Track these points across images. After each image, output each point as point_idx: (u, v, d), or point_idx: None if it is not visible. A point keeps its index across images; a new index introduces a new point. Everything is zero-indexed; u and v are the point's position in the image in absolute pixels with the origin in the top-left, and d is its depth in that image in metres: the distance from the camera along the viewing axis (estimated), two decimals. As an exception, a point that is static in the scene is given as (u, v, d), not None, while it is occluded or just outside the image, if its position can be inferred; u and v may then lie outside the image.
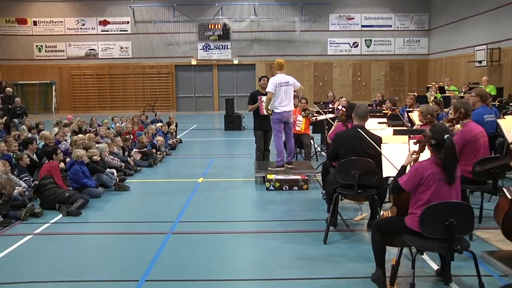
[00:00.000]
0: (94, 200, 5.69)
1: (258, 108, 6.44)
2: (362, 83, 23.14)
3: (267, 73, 21.20)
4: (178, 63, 22.76)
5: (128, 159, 7.55)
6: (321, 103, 10.50)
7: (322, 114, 7.29)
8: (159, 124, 10.64)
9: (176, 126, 11.37)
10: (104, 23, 21.77)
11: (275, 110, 5.75)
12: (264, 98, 6.10)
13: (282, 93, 5.78)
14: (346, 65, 22.95)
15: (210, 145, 11.05)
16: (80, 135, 7.89)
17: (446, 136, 3.02)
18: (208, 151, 9.84)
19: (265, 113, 6.10)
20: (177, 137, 11.11)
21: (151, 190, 6.14)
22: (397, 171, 3.21)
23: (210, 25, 21.84)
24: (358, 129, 3.92)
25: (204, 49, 22.82)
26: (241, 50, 22.63)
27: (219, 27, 21.82)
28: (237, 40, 22.47)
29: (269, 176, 5.78)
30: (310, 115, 7.71)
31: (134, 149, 8.09)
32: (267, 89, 5.74)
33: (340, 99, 9.20)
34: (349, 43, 22.81)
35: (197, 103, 23.49)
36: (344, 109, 4.84)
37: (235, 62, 22.66)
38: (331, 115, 7.09)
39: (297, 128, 7.51)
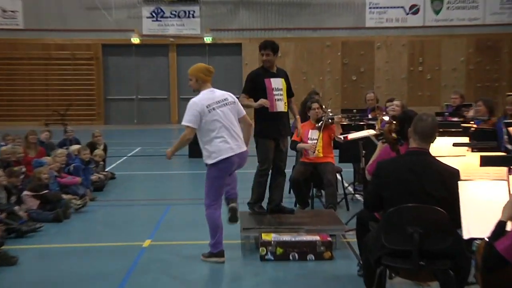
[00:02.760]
0: None
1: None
2: (425, 76, 22.40)
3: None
4: (107, 41, 22.35)
5: (16, 208, 7.26)
6: (354, 110, 9.52)
7: (356, 131, 7.35)
8: (74, 147, 10.15)
9: (105, 150, 10.78)
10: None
11: (209, 161, 5.29)
12: (275, 81, 6.02)
13: (219, 122, 5.28)
14: (398, 45, 22.52)
15: (164, 182, 10.62)
16: None
17: None
18: (160, 193, 9.52)
19: (281, 109, 6.05)
20: (107, 170, 10.58)
21: (57, 266, 5.71)
22: (491, 231, 3.15)
23: (164, -24, 22.46)
24: (419, 156, 3.83)
25: (153, 17, 22.33)
26: (218, 20, 22.45)
27: (179, -21, 22.42)
28: (211, 2, 22.25)
29: (265, 237, 5.60)
30: (330, 121, 7.33)
31: (25, 191, 7.74)
32: (183, 122, 5.30)
33: (388, 104, 8.30)
34: (403, 7, 22.31)
35: (142, 110, 23.09)
36: (393, 122, 4.59)
37: (207, 40, 22.36)
38: (371, 132, 6.76)
39: (312, 154, 7.19)
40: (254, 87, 6.07)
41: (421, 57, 22.10)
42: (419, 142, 3.83)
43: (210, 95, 5.37)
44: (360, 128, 7.65)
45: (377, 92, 11.39)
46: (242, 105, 5.69)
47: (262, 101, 5.88)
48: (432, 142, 3.89)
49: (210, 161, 5.28)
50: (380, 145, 4.99)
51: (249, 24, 21.98)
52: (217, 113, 5.27)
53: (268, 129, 6.16)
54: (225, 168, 5.32)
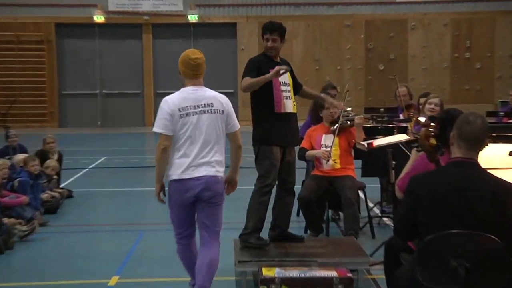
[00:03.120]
0: None
1: (268, 96, 6.25)
2: (473, 64, 22.52)
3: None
4: (62, 20, 22.40)
5: None
6: (381, 110, 9.25)
7: (384, 136, 7.53)
8: (19, 157, 10.43)
9: (60, 160, 11.03)
10: None
11: (170, 177, 5.46)
12: (283, 75, 6.24)
13: (187, 132, 5.35)
14: (438, 24, 22.64)
15: (136, 202, 10.78)
16: None
17: None
18: (130, 216, 9.64)
19: (290, 109, 6.27)
20: (62, 186, 10.89)
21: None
22: None
23: None
24: (465, 168, 3.91)
25: (122, -11, 22.64)
26: None
27: None
28: (197, -31, 22.52)
29: (266, 272, 5.68)
30: (348, 122, 7.58)
31: (-46, 215, 8.36)
32: (154, 129, 5.45)
33: (422, 101, 8.42)
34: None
35: (107, 109, 23.27)
36: (432, 124, 4.74)
37: (193, 18, 22.49)
38: (403, 137, 6.92)
39: (326, 165, 7.38)
40: (257, 72, 6.12)
41: (468, 40, 22.26)
42: (465, 150, 3.88)
43: (190, 94, 5.41)
44: (389, 132, 7.74)
45: (411, 85, 11.41)
46: (247, 84, 5.87)
47: (280, 67, 5.99)
48: (481, 150, 3.94)
49: (172, 176, 5.41)
50: (414, 154, 5.08)
51: (244, -1, 22.77)
52: (190, 121, 5.32)
53: (273, 133, 6.27)
54: (176, 195, 5.34)
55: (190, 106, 5.28)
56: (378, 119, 8.62)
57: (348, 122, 7.49)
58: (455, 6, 22.25)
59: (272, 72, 5.91)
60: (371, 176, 8.36)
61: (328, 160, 7.23)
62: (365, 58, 22.36)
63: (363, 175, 8.05)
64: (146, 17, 21.91)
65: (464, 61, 22.26)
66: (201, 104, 5.31)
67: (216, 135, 5.29)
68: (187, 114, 5.27)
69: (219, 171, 5.26)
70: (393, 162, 7.02)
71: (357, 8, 22.09)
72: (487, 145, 3.99)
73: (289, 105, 6.18)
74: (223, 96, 5.44)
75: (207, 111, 5.32)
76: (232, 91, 20.96)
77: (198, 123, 5.24)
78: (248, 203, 6.36)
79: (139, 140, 19.34)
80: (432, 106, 7.40)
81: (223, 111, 5.33)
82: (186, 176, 5.23)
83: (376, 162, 7.78)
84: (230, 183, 5.48)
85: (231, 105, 5.43)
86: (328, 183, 7.29)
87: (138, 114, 22.71)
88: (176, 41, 22.56)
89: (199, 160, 5.26)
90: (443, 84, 21.71)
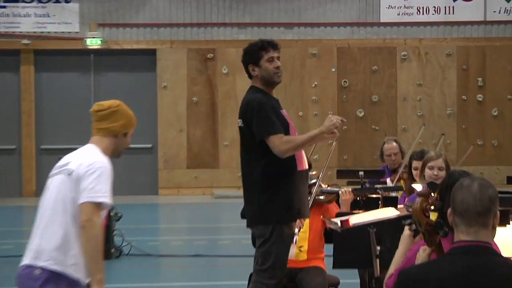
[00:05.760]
0: None
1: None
2: (489, 110, 23.16)
3: (202, 72, 23.79)
4: None
5: None
6: (360, 173, 9.13)
7: (364, 210, 7.61)
8: None
9: None
10: None
11: None
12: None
13: (40, 202, 5.64)
14: (439, 53, 23.31)
15: None
16: None
17: None
18: None
19: (306, 165, 6.94)
20: None
21: None
22: None
23: None
24: (474, 257, 3.93)
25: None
26: (112, 8, 23.27)
27: None
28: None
29: None
30: (322, 197, 8.05)
31: None
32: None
33: (416, 164, 8.81)
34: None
35: None
36: (432, 193, 4.84)
37: (93, 43, 22.82)
38: (392, 212, 6.85)
39: (291, 255, 7.44)
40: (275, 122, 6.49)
41: (480, 76, 22.54)
42: (465, 228, 3.92)
43: (69, 154, 5.59)
44: (371, 204, 7.79)
45: (402, 139, 11.87)
46: (294, 146, 6.32)
47: (338, 117, 6.39)
48: (494, 227, 3.95)
49: None
50: (407, 237, 5.08)
51: (170, 16, 22.60)
52: (46, 186, 5.47)
53: (294, 203, 6.53)
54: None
55: (55, 167, 5.45)
56: (357, 188, 8.51)
57: (322, 197, 7.67)
58: (462, 30, 22.62)
59: (330, 122, 6.22)
60: (347, 267, 8.22)
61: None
62: (338, 100, 22.29)
63: (336, 265, 7.76)
64: (25, 41, 21.77)
65: (476, 105, 22.31)
66: (61, 164, 5.46)
67: (55, 205, 5.29)
68: (48, 178, 5.46)
69: (41, 259, 5.16)
70: (378, 248, 6.96)
71: (327, 31, 22.30)
72: (505, 224, 4.14)
73: (305, 159, 6.67)
74: (96, 154, 5.42)
75: (61, 171, 5.42)
76: (149, 146, 21.32)
77: (48, 189, 5.37)
78: None
79: (15, 217, 18.87)
80: (435, 171, 7.51)
81: (72, 172, 5.32)
82: (21, 264, 5.30)
83: (355, 248, 7.55)
84: None
85: (99, 167, 5.33)
86: (288, 278, 7.34)
87: (13, 178, 22.39)
88: (69, 75, 22.70)
89: (31, 244, 5.32)
90: (447, 137, 21.32)
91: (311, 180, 7.47)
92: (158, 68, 22.24)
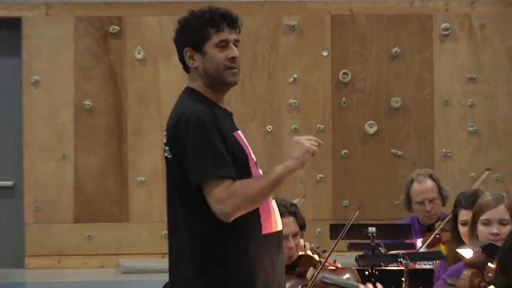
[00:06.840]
0: None
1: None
2: None
3: (100, 57, 22.28)
4: None
5: None
6: (372, 229, 10.03)
7: (380, 282, 8.27)
8: None
9: None
10: None
11: None
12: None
13: None
14: (498, 24, 20.51)
15: None
16: None
17: None
18: None
19: (280, 226, 7.47)
20: None
21: None
22: None
23: None
24: None
25: None
26: None
27: None
28: None
29: None
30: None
31: None
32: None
33: (478, 222, 9.83)
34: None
35: None
36: (489, 264, 5.36)
37: None
38: None
39: None
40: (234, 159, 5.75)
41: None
42: None
43: None
44: (388, 280, 8.01)
45: (443, 173, 14.66)
46: (243, 199, 5.46)
47: (315, 139, 5.75)
48: None
49: None
50: None
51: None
52: None
53: (261, 278, 6.09)
54: None
55: None
56: (365, 255, 7.96)
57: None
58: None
59: (302, 149, 5.49)
60: None
61: None
62: (332, 105, 17.20)
63: None
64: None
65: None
66: None
67: None
68: None
69: None
70: None
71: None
72: None
73: (279, 219, 6.03)
74: None
75: None
76: (10, 184, 17.27)
77: None
78: None
79: None
80: (494, 227, 7.39)
81: None
82: None
83: None
84: None
85: None
86: None
87: None
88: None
89: None
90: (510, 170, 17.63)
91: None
92: (24, 51, 16.84)
